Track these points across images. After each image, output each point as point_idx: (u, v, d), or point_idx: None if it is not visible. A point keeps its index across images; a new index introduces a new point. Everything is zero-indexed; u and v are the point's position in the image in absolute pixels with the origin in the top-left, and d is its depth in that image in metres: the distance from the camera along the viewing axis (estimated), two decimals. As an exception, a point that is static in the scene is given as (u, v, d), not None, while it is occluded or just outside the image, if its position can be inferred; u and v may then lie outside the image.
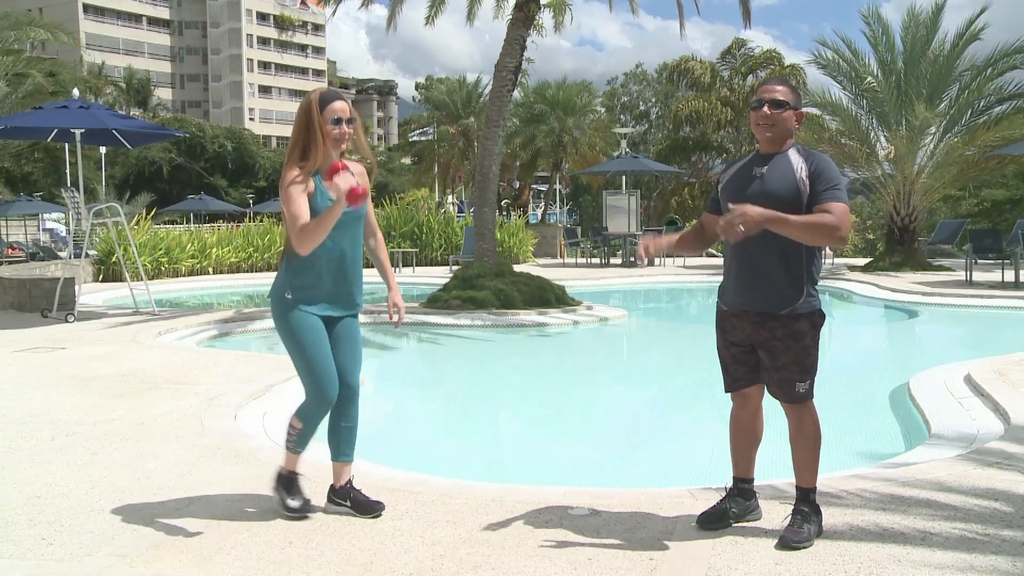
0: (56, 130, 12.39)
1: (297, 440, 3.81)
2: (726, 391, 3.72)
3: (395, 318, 3.90)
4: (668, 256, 19.96)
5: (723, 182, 3.63)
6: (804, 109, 3.75)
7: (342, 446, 3.89)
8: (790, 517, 3.52)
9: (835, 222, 3.26)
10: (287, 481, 3.90)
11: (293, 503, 3.85)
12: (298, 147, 3.64)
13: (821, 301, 3.52)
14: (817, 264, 3.49)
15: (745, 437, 3.71)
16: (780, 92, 3.46)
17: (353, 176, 3.65)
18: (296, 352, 3.68)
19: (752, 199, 3.37)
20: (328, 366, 3.69)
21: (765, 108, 3.45)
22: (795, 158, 3.44)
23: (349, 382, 3.80)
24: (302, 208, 3.52)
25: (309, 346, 3.65)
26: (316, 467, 4.62)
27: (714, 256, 24.71)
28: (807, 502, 3.53)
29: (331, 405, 3.74)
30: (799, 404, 3.50)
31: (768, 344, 3.47)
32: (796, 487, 3.57)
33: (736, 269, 3.54)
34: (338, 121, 3.61)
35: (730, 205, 3.30)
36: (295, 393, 6.55)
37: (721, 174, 3.72)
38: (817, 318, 3.47)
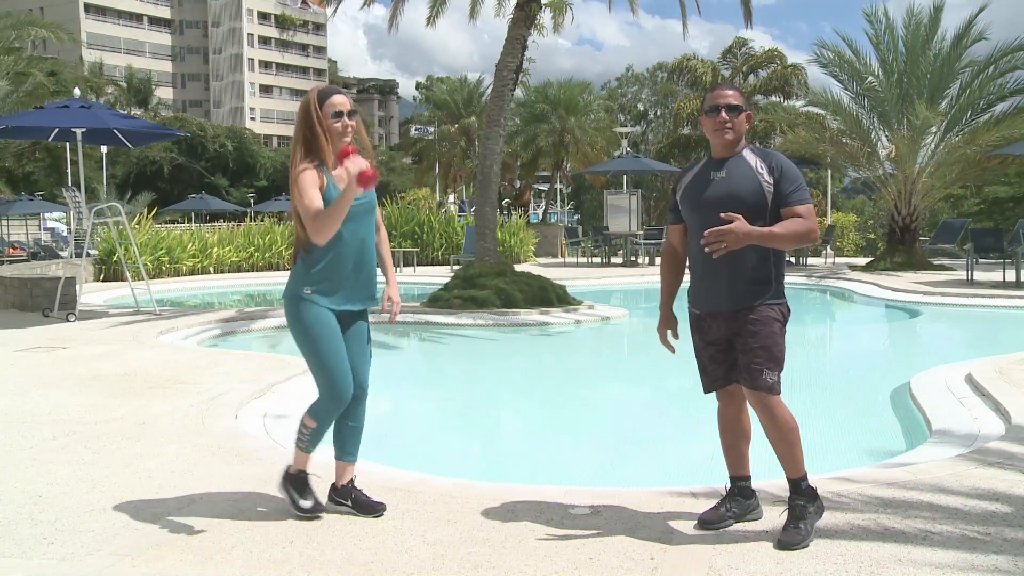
0: (57, 129, 12.40)
1: (309, 439, 3.78)
2: (705, 392, 3.77)
3: (389, 312, 3.83)
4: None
5: (680, 190, 3.66)
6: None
7: (347, 445, 3.88)
8: (785, 514, 3.52)
9: (811, 226, 3.46)
10: (297, 481, 3.85)
11: (305, 503, 3.81)
12: (300, 145, 3.62)
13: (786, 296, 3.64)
14: (783, 260, 3.61)
15: (734, 435, 3.74)
16: (733, 96, 3.55)
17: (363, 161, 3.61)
18: (310, 351, 3.66)
19: (717, 203, 3.44)
20: (344, 365, 3.67)
21: (723, 113, 3.49)
22: (751, 158, 3.51)
23: (360, 381, 3.80)
24: (314, 198, 3.51)
25: (324, 345, 3.63)
26: (316, 466, 4.64)
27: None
28: (800, 492, 3.51)
29: (346, 403, 3.72)
30: (765, 394, 3.46)
31: (742, 329, 3.52)
32: (787, 480, 3.57)
33: (705, 271, 3.57)
34: (339, 114, 3.61)
35: (721, 215, 3.34)
36: (296, 392, 6.58)
37: (676, 182, 3.74)
38: (785, 310, 3.59)
